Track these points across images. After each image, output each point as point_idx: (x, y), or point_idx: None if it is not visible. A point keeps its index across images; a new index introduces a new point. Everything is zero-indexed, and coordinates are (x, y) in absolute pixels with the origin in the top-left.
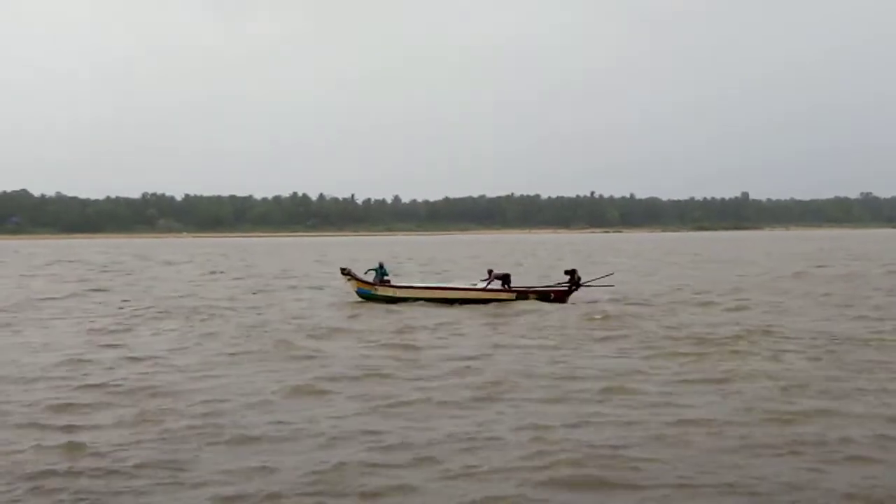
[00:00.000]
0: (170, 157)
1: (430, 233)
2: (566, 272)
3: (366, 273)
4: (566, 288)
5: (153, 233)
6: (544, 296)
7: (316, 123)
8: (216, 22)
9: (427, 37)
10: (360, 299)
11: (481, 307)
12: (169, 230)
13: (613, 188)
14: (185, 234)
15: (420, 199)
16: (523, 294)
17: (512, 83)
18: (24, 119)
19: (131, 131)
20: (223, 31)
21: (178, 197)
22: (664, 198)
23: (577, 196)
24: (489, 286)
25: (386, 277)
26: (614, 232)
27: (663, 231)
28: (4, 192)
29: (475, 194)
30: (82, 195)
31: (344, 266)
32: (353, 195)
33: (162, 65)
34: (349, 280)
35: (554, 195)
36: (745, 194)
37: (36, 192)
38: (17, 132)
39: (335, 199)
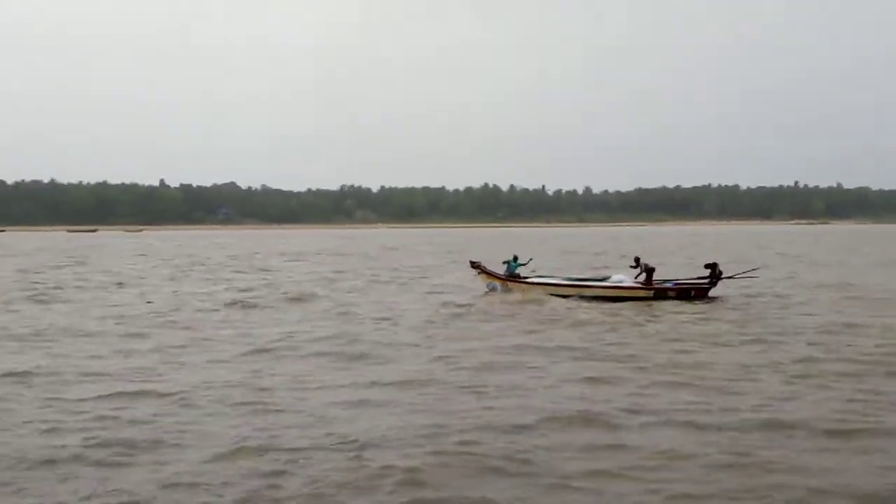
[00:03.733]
0: (367, 151)
1: (622, 224)
2: (706, 266)
3: (518, 265)
4: (707, 283)
5: (350, 223)
6: (684, 293)
7: (506, 117)
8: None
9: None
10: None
11: (612, 305)
12: (365, 221)
13: (818, 178)
14: (379, 224)
15: (612, 190)
16: (662, 291)
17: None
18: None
19: (331, 129)
20: (432, 32)
21: (374, 189)
22: (874, 187)
23: (780, 186)
24: (638, 277)
25: (517, 272)
26: (819, 223)
27: (874, 223)
28: (215, 185)
29: (670, 184)
30: (285, 188)
31: (473, 259)
32: (543, 186)
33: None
34: (479, 274)
35: (754, 185)
36: None
37: (243, 185)
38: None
39: (525, 190)
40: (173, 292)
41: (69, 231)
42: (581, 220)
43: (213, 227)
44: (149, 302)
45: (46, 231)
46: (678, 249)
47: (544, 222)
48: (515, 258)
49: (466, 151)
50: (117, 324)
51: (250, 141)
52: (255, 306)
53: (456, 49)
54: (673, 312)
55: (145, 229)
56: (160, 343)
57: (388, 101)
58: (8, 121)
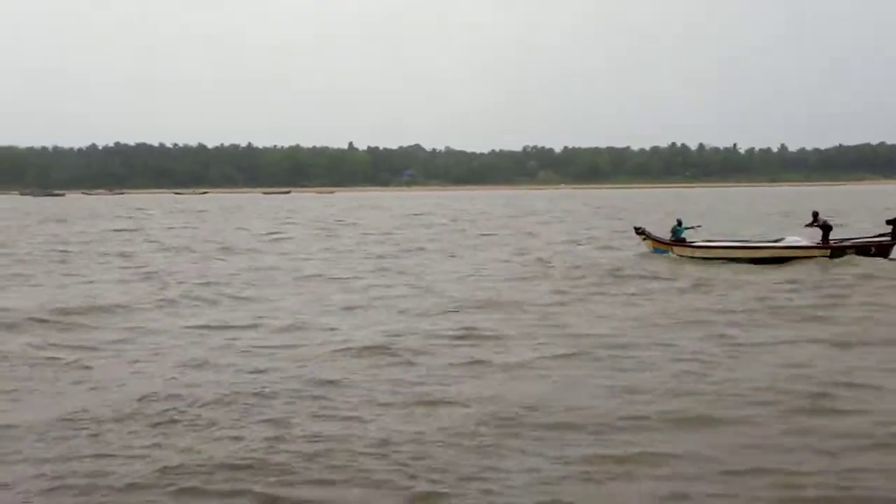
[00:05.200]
0: (550, 111)
1: (820, 183)
2: (888, 222)
3: (683, 230)
4: (889, 240)
5: (533, 184)
6: (863, 250)
7: (692, 70)
8: None
9: None
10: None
11: (790, 267)
12: (548, 182)
13: None
14: (562, 185)
15: (809, 147)
16: (839, 250)
17: None
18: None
19: (514, 90)
20: None
21: (557, 149)
22: None
23: None
24: (809, 233)
25: (682, 236)
26: None
27: None
28: (401, 147)
29: (873, 141)
30: (468, 149)
31: (638, 225)
32: (734, 144)
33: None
34: (644, 240)
35: None
36: None
37: (427, 147)
38: (412, 89)
39: (715, 149)
40: None
41: (264, 193)
42: (774, 181)
43: (399, 188)
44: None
45: (243, 193)
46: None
47: (734, 182)
48: (680, 222)
49: (651, 109)
50: None
51: (435, 105)
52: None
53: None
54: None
55: (336, 191)
56: None
57: (568, 58)
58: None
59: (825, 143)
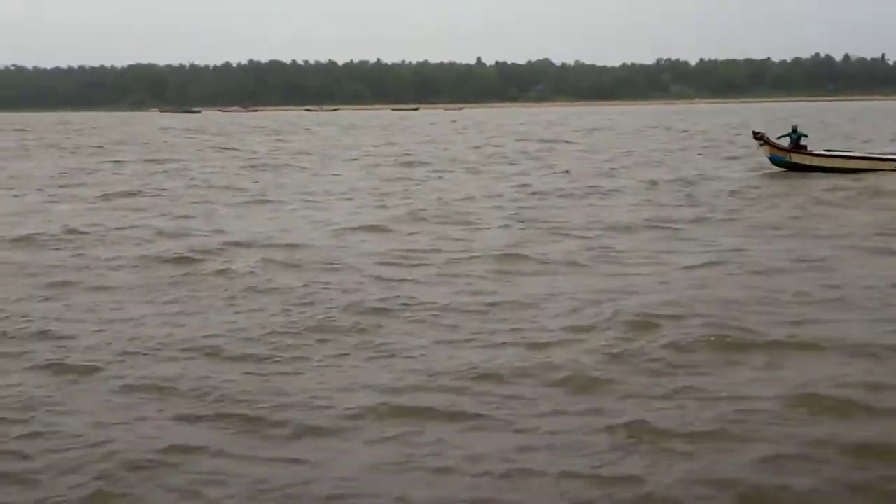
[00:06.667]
0: (683, 19)
1: None
2: None
3: (778, 138)
4: None
5: (666, 99)
6: None
7: None
8: None
9: None
10: (773, 167)
11: None
12: (682, 96)
13: None
14: (697, 99)
15: None
16: None
17: None
18: None
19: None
20: None
21: (693, 62)
22: None
23: None
24: None
25: (802, 143)
26: None
27: None
28: (529, 62)
29: None
30: (599, 63)
31: (757, 130)
32: (883, 55)
33: None
34: (762, 145)
35: None
36: None
37: (557, 62)
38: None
39: (862, 60)
40: None
41: (393, 109)
42: None
43: (527, 104)
44: None
45: (373, 109)
46: None
47: (883, 96)
48: (794, 129)
49: (793, 19)
50: None
51: (564, 17)
52: None
53: None
54: None
55: (465, 107)
56: None
57: None
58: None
59: None
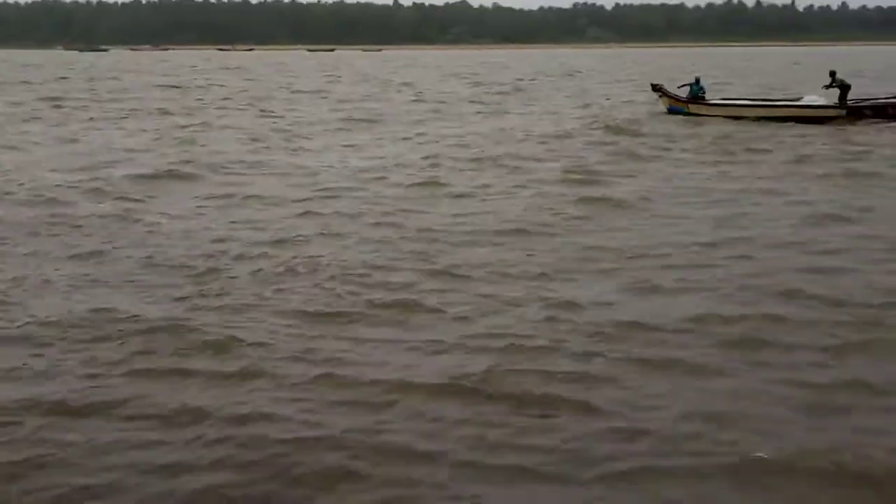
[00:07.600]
0: None
1: (885, 43)
2: None
3: (678, 88)
4: None
5: (581, 43)
6: (880, 111)
7: None
8: None
9: None
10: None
11: (804, 127)
12: (598, 40)
13: None
14: (612, 44)
15: (871, 5)
16: (856, 111)
17: None
18: None
19: None
20: None
21: (609, 6)
22: None
23: None
24: (829, 94)
25: (701, 94)
26: None
27: None
28: (447, 4)
29: None
30: (517, 6)
31: (655, 82)
32: (793, 1)
33: None
34: (661, 97)
35: None
36: None
37: (475, 4)
38: None
39: (773, 6)
40: None
41: (309, 50)
42: (835, 39)
43: (444, 46)
44: None
45: (288, 49)
46: None
47: (792, 41)
48: (697, 80)
49: None
50: None
51: None
52: None
53: None
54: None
55: (384, 48)
56: None
57: None
58: None
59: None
